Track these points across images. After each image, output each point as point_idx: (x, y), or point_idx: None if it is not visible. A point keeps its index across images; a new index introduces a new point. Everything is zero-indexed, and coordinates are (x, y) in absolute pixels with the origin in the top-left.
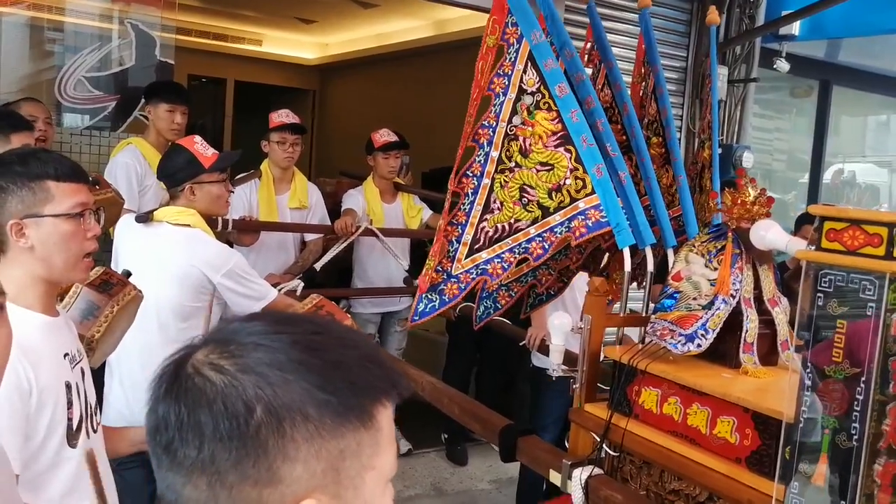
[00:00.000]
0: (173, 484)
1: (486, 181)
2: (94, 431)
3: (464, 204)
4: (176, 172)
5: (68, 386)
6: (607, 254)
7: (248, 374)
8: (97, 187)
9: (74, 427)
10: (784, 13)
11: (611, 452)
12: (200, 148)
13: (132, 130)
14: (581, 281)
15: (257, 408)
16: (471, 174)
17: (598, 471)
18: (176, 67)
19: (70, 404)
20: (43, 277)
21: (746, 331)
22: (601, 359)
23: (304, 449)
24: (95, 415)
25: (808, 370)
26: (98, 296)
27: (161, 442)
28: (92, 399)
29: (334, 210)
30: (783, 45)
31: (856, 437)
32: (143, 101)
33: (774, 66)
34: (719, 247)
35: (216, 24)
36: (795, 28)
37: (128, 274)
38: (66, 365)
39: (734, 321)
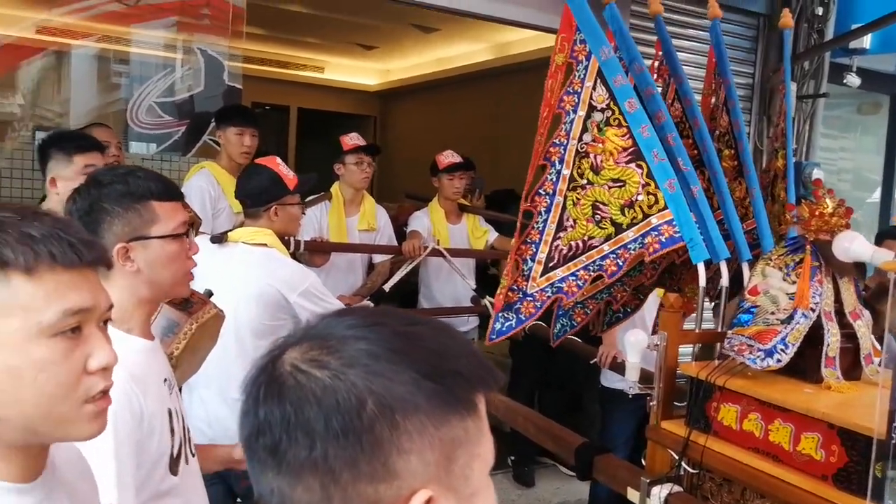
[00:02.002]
0: (280, 487)
1: (559, 199)
2: (192, 456)
3: (537, 222)
4: (261, 193)
5: (170, 412)
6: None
7: (355, 367)
8: None
9: (175, 454)
10: (854, 27)
11: (690, 470)
12: (284, 169)
13: (201, 155)
14: (652, 297)
15: (369, 401)
16: (543, 192)
17: (677, 488)
18: (242, 95)
19: (172, 431)
20: (146, 299)
21: (828, 345)
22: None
23: (418, 440)
24: (191, 440)
25: None
26: (178, 313)
27: (265, 445)
28: (187, 424)
29: (398, 234)
30: (853, 59)
31: None
32: (212, 125)
33: (844, 81)
34: (797, 260)
35: (280, 51)
36: (866, 42)
37: (209, 293)
38: (165, 390)
39: (814, 335)
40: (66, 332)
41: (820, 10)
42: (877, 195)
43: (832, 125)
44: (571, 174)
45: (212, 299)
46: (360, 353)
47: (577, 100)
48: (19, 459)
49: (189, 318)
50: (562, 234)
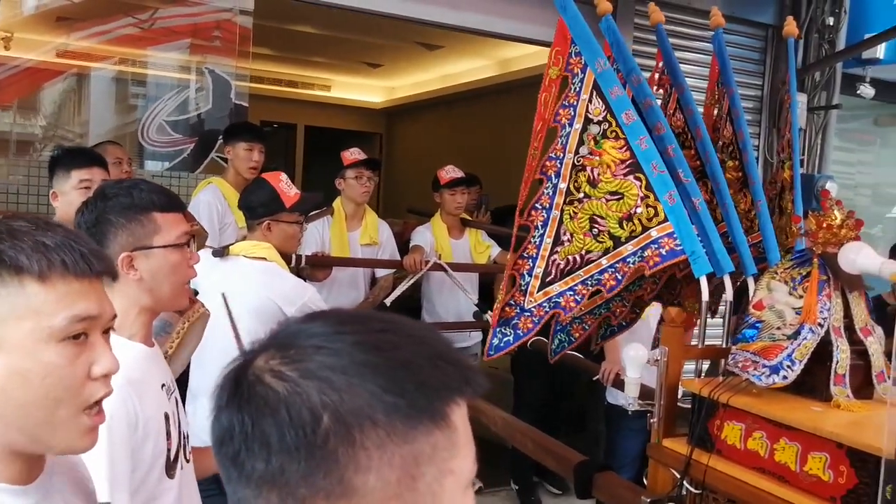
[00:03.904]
0: (245, 497)
1: (556, 213)
2: (188, 461)
3: (534, 237)
4: (257, 206)
5: (167, 416)
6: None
7: (311, 379)
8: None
9: (172, 458)
10: (867, 36)
11: (692, 490)
12: (285, 186)
13: (209, 171)
14: (655, 311)
15: (324, 415)
16: (540, 206)
17: None
18: (249, 113)
19: (168, 435)
20: (147, 307)
21: (837, 362)
22: (679, 393)
23: (377, 457)
24: (188, 444)
25: None
26: (171, 314)
27: (228, 454)
28: (185, 428)
29: (403, 250)
30: (867, 69)
31: None
32: (219, 142)
33: (858, 92)
34: (804, 273)
35: (287, 71)
36: (880, 51)
37: (195, 293)
38: (163, 395)
39: (823, 352)
40: (73, 337)
41: (831, 20)
42: None
43: (849, 138)
44: (568, 188)
45: (214, 311)
46: (318, 365)
47: (573, 112)
48: (18, 462)
49: (181, 318)
50: (559, 249)
